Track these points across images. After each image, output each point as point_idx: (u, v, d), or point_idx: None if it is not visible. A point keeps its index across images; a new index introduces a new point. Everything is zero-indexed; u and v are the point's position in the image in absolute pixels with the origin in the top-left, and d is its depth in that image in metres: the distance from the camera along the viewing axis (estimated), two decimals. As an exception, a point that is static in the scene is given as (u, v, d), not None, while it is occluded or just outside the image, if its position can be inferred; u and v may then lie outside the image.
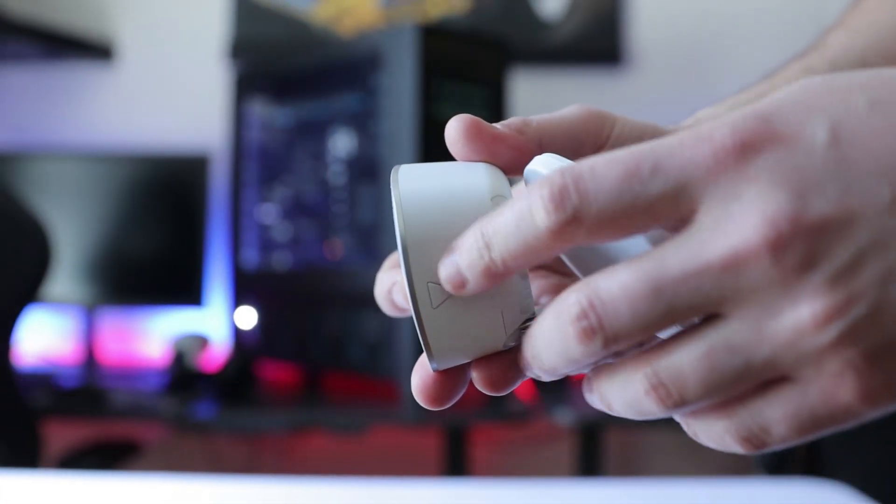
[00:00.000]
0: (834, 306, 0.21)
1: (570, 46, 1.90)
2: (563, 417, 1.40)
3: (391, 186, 0.29)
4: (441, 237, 0.28)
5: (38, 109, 1.95)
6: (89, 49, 1.87)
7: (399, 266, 0.36)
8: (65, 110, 1.95)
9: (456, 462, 1.57)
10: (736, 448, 0.25)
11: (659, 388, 0.24)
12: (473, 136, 0.31)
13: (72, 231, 1.77)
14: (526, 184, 0.31)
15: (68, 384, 1.56)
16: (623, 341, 0.23)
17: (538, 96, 1.86)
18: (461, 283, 0.26)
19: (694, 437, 0.26)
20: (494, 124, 0.32)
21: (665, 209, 0.23)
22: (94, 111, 1.95)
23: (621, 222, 0.23)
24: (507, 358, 0.30)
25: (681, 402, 0.24)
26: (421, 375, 0.31)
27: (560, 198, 0.23)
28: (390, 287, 0.36)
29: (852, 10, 0.47)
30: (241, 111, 1.68)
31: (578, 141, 0.33)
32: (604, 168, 0.23)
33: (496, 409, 1.40)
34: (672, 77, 1.91)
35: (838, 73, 0.24)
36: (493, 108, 1.39)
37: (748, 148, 0.22)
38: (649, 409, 0.24)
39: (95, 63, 1.93)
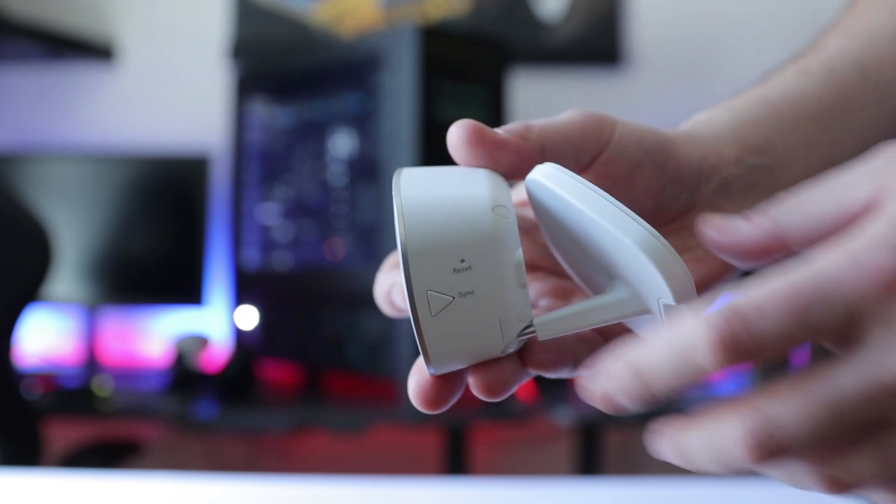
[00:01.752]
0: None
1: (570, 47, 1.90)
2: (563, 417, 1.40)
3: (393, 192, 0.29)
4: (442, 247, 0.28)
5: (39, 110, 1.95)
6: (90, 50, 1.87)
7: (398, 267, 0.36)
8: (65, 111, 1.95)
9: (456, 462, 1.58)
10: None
11: (836, 482, 0.25)
12: (476, 141, 0.31)
13: (73, 231, 1.77)
14: (528, 193, 0.31)
15: (69, 384, 1.57)
16: (794, 457, 0.25)
17: (538, 97, 1.87)
18: (617, 409, 0.27)
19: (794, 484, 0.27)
20: (496, 129, 0.32)
21: (830, 334, 0.24)
22: (94, 112, 1.95)
23: (783, 350, 0.24)
24: (504, 364, 0.30)
25: (856, 488, 0.25)
26: (417, 379, 0.31)
27: (732, 344, 0.23)
28: (389, 288, 0.36)
29: (848, 13, 0.47)
30: (241, 112, 1.68)
31: (580, 146, 0.33)
32: (770, 307, 0.23)
33: (496, 409, 1.41)
34: (671, 78, 1.91)
35: None
36: (493, 108, 1.39)
37: None
38: (823, 492, 0.26)
39: (96, 64, 1.93)
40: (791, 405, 0.24)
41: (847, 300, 0.23)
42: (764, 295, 0.24)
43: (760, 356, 0.24)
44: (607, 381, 0.26)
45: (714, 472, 0.26)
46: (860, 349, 0.23)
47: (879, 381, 0.23)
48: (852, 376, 0.23)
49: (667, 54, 1.92)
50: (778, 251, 0.29)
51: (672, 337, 0.25)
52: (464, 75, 1.37)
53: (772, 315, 0.23)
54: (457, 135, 0.32)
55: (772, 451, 0.24)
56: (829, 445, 0.25)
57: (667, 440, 0.26)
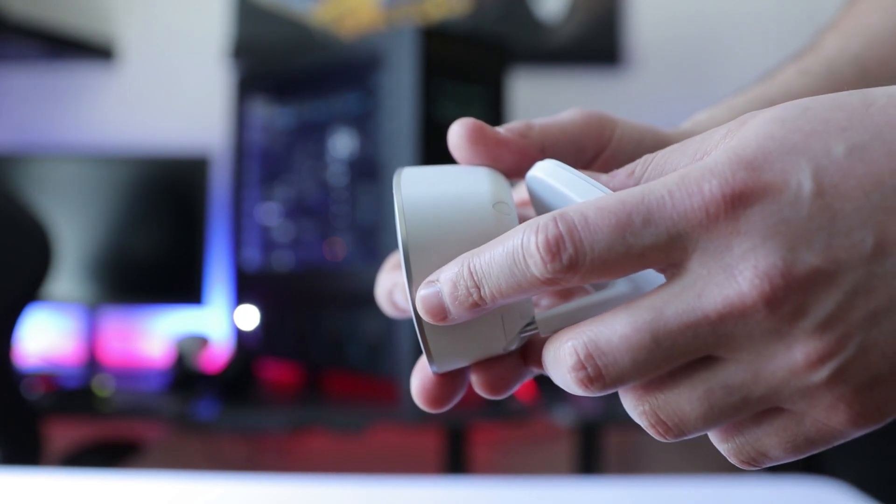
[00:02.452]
0: (825, 349, 0.23)
1: (570, 47, 1.90)
2: (563, 417, 1.40)
3: (394, 191, 0.29)
4: (443, 243, 0.28)
5: (39, 110, 1.96)
6: (90, 50, 1.87)
7: (400, 267, 0.36)
8: (65, 111, 1.95)
9: (455, 461, 1.58)
10: (735, 463, 0.27)
11: (659, 424, 0.26)
12: (476, 140, 0.32)
13: (73, 231, 1.77)
14: (528, 190, 0.31)
15: (70, 383, 1.57)
16: (621, 385, 0.25)
17: (538, 97, 1.87)
18: (443, 315, 0.27)
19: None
20: (497, 128, 0.32)
21: (656, 257, 0.24)
22: (95, 112, 1.95)
23: (613, 269, 0.24)
24: (507, 361, 0.30)
25: (680, 434, 0.26)
26: (420, 378, 0.31)
27: (556, 248, 0.24)
28: (391, 288, 0.36)
29: (846, 13, 0.48)
30: (242, 112, 1.68)
31: (580, 145, 0.33)
32: (596, 218, 0.24)
33: (496, 409, 1.41)
34: (671, 78, 1.92)
35: (819, 103, 0.24)
36: (493, 108, 1.39)
37: (738, 201, 0.23)
38: (653, 435, 0.26)
39: (96, 64, 1.93)
40: (614, 328, 0.24)
41: (671, 223, 0.23)
42: (591, 206, 0.24)
43: (585, 267, 0.24)
44: (443, 280, 0.27)
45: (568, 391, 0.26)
46: (684, 277, 0.24)
47: (700, 311, 0.23)
48: (675, 305, 0.24)
49: (667, 54, 1.92)
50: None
51: (507, 244, 0.25)
52: (464, 75, 1.37)
53: (595, 226, 0.24)
54: (458, 133, 0.32)
55: (591, 376, 0.24)
56: (654, 379, 0.25)
57: (544, 351, 0.27)
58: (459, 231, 0.28)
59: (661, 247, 0.23)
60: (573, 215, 0.24)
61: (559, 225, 0.24)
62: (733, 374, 0.24)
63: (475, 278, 0.26)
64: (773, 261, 0.22)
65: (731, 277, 0.23)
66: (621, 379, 0.24)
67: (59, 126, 1.95)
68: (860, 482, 0.85)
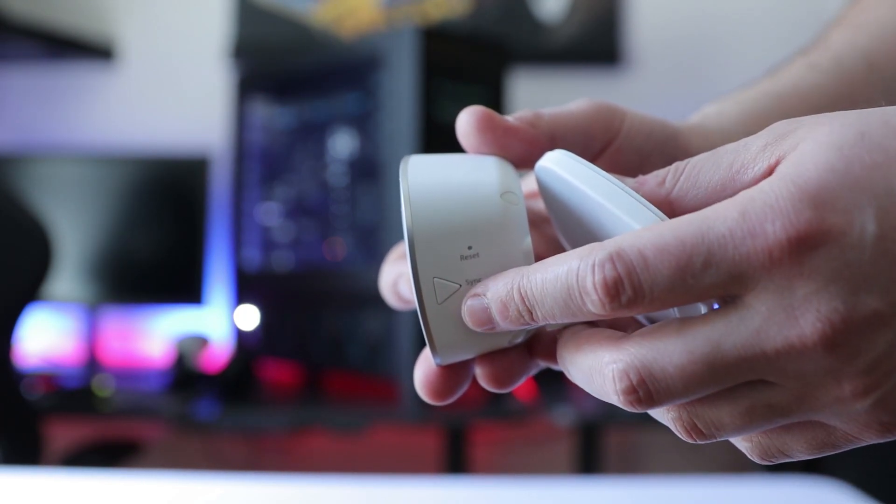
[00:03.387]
0: (871, 384, 0.23)
1: (570, 47, 1.90)
2: (563, 417, 1.40)
3: (400, 178, 0.29)
4: (449, 233, 0.27)
5: (39, 110, 1.96)
6: (90, 50, 1.87)
7: (405, 257, 0.36)
8: (66, 111, 1.95)
9: (455, 461, 1.58)
10: (751, 457, 0.27)
11: (694, 430, 0.26)
12: (485, 128, 0.31)
13: (74, 231, 1.77)
14: (537, 180, 0.31)
15: (70, 383, 1.57)
16: (669, 404, 0.25)
17: (538, 97, 1.87)
18: (491, 327, 0.27)
19: None
20: (506, 117, 0.32)
21: (714, 294, 0.24)
22: (95, 112, 1.95)
23: (669, 305, 0.24)
24: (512, 354, 0.30)
25: (711, 439, 0.26)
26: (424, 370, 0.31)
27: (615, 290, 0.24)
28: (395, 279, 0.35)
29: (853, 7, 0.47)
30: (242, 112, 1.68)
31: (589, 135, 0.33)
32: (656, 261, 0.23)
33: (496, 409, 1.41)
34: (671, 78, 1.92)
35: (873, 128, 0.24)
36: (493, 108, 1.39)
37: (803, 245, 0.22)
38: (679, 435, 0.27)
39: (96, 64, 1.93)
40: (670, 358, 0.24)
41: (732, 265, 0.23)
42: (650, 245, 0.24)
43: (642, 307, 0.24)
44: (493, 298, 0.27)
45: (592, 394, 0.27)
46: (741, 310, 0.24)
47: (759, 348, 0.23)
48: (732, 339, 0.24)
49: (667, 54, 1.92)
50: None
51: (560, 272, 0.25)
52: (464, 75, 1.37)
53: (655, 268, 0.23)
54: (466, 121, 0.32)
55: (641, 398, 0.24)
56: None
57: (564, 350, 0.27)
58: (466, 220, 0.27)
59: (721, 285, 0.23)
60: (631, 255, 0.24)
61: (617, 266, 0.24)
62: (779, 396, 0.24)
63: (527, 303, 0.26)
64: (836, 305, 0.22)
65: (792, 318, 0.23)
66: (671, 401, 0.25)
67: (59, 126, 1.95)
68: (860, 482, 0.85)
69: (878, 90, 0.42)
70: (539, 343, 0.31)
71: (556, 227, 0.34)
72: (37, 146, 1.92)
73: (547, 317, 0.26)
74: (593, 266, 0.24)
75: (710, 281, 0.23)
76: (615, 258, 0.24)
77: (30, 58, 1.90)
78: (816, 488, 0.71)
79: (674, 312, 0.26)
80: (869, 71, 0.42)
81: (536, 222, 0.35)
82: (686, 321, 0.25)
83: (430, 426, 1.63)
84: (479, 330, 0.27)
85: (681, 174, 0.27)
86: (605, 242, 0.24)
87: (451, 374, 0.31)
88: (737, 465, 1.76)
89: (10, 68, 1.95)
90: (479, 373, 0.30)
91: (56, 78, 1.95)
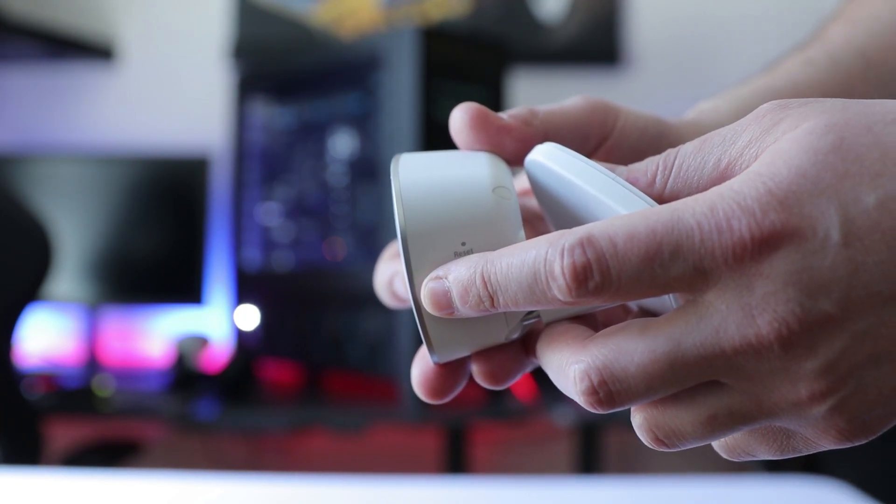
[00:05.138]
0: (827, 388, 0.24)
1: (570, 47, 1.90)
2: (563, 417, 1.40)
3: (391, 177, 0.29)
4: (442, 230, 0.27)
5: (40, 110, 1.96)
6: (90, 50, 1.87)
7: (399, 256, 0.36)
8: (66, 111, 1.95)
9: (455, 461, 1.58)
10: (721, 454, 0.28)
11: (656, 440, 0.26)
12: (479, 125, 0.31)
13: (74, 231, 1.77)
14: (528, 174, 0.31)
15: (70, 383, 1.57)
16: (630, 406, 0.25)
17: (538, 97, 1.87)
18: (450, 311, 0.27)
19: None
20: (500, 114, 0.32)
21: (678, 287, 0.24)
22: (94, 112, 1.95)
23: (634, 295, 0.24)
24: (508, 351, 0.30)
25: (675, 447, 0.26)
26: (421, 368, 0.31)
27: (583, 276, 0.24)
28: (391, 277, 0.35)
29: (850, 2, 0.47)
30: (242, 112, 1.68)
31: (584, 133, 0.33)
32: (626, 248, 0.23)
33: (496, 409, 1.41)
34: (671, 78, 1.92)
35: (854, 134, 0.24)
36: (493, 108, 1.39)
37: (765, 245, 0.23)
38: (648, 445, 0.27)
39: (97, 64, 1.93)
40: (631, 357, 0.24)
41: (698, 258, 0.23)
42: (621, 233, 0.24)
43: (609, 295, 0.24)
44: (454, 281, 0.27)
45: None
46: (705, 311, 0.24)
47: (718, 346, 0.23)
48: (692, 337, 0.24)
49: (667, 54, 1.92)
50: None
51: (527, 257, 0.25)
52: (464, 75, 1.37)
53: (624, 255, 0.23)
54: (460, 118, 0.32)
55: (601, 399, 0.25)
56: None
57: (539, 346, 0.27)
58: (459, 216, 0.27)
59: (685, 279, 0.24)
60: (602, 242, 0.24)
61: (587, 252, 0.24)
62: (738, 401, 0.25)
63: (489, 288, 0.26)
64: (792, 307, 0.23)
65: (749, 317, 0.23)
66: (632, 402, 0.25)
67: (59, 126, 1.95)
68: (860, 482, 0.85)
69: (873, 87, 0.42)
70: (534, 340, 0.31)
71: (548, 222, 0.34)
72: (37, 146, 1.92)
73: (509, 302, 0.26)
74: (563, 250, 0.24)
75: (676, 272, 0.23)
76: (585, 243, 0.24)
77: (30, 58, 1.90)
78: (816, 488, 0.71)
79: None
80: (865, 67, 0.42)
81: (530, 219, 0.35)
82: (648, 321, 0.25)
83: (430, 426, 1.63)
84: (439, 315, 0.27)
85: (670, 172, 0.27)
86: (575, 229, 0.24)
87: (448, 372, 0.31)
88: (737, 465, 1.76)
89: (10, 68, 1.95)
90: (475, 370, 0.30)
91: (56, 78, 1.95)
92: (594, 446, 1.58)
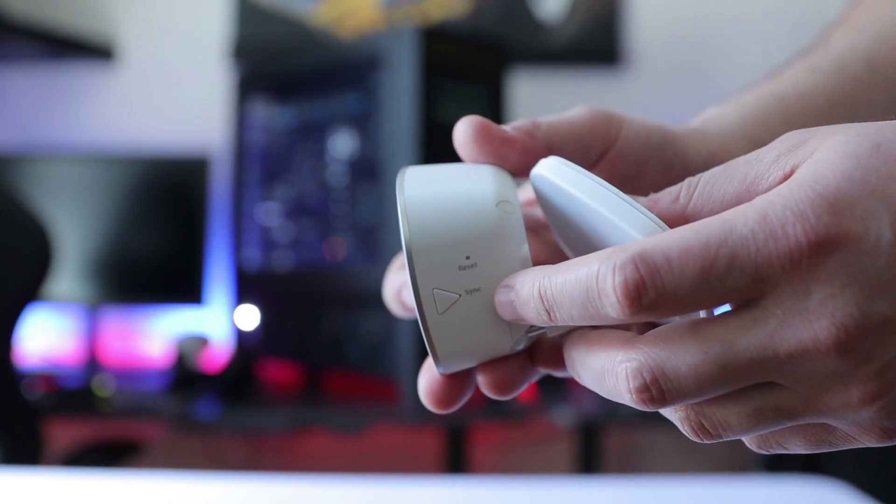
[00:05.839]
0: (879, 391, 0.24)
1: (570, 47, 1.90)
2: (563, 417, 1.40)
3: (396, 191, 0.29)
4: (446, 244, 0.28)
5: (39, 110, 1.96)
6: (90, 50, 1.87)
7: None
8: (66, 111, 1.95)
9: (456, 461, 1.58)
10: (750, 446, 0.28)
11: (701, 430, 0.26)
12: (482, 138, 0.31)
13: (74, 231, 1.77)
14: (533, 188, 0.31)
15: (70, 383, 1.57)
16: (681, 403, 0.25)
17: (538, 97, 1.87)
18: (519, 319, 0.27)
19: None
20: (504, 126, 0.32)
21: (736, 297, 0.24)
22: (94, 112, 1.95)
23: (691, 308, 0.24)
24: (514, 361, 0.30)
25: (719, 439, 0.26)
26: (427, 378, 0.31)
27: (636, 293, 0.23)
28: (399, 288, 0.36)
29: (854, 8, 0.47)
30: (242, 112, 1.68)
31: (587, 143, 0.33)
32: (681, 262, 0.23)
33: (496, 409, 1.41)
34: (671, 78, 1.92)
35: (889, 139, 0.24)
36: (493, 108, 1.39)
37: (821, 248, 0.23)
38: (687, 435, 0.27)
39: (97, 64, 1.93)
40: (684, 358, 0.24)
41: (754, 267, 0.23)
42: (675, 247, 0.24)
43: (664, 310, 0.24)
44: (518, 293, 0.27)
45: (601, 394, 0.27)
46: (760, 315, 0.24)
47: (773, 351, 0.23)
48: (746, 340, 0.24)
49: (667, 54, 1.92)
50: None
51: (580, 274, 0.25)
52: (464, 75, 1.37)
53: (679, 270, 0.23)
54: (463, 131, 0.32)
55: (653, 397, 0.24)
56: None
57: (574, 351, 0.27)
58: (463, 231, 0.28)
59: (743, 288, 0.23)
60: (655, 257, 0.23)
61: (640, 268, 0.23)
62: (787, 399, 0.24)
63: (545, 304, 0.26)
64: (850, 311, 0.23)
65: (807, 322, 0.23)
66: (683, 400, 0.25)
67: (59, 126, 1.95)
68: (860, 482, 0.85)
69: (879, 93, 0.42)
70: (540, 350, 0.31)
71: (555, 234, 0.34)
72: (37, 146, 1.92)
73: (565, 319, 0.26)
74: (614, 268, 0.24)
75: (733, 283, 0.23)
76: (637, 260, 0.23)
77: (30, 58, 1.90)
78: (816, 488, 0.71)
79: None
80: (871, 73, 0.42)
81: (536, 229, 0.36)
82: (700, 321, 0.25)
83: (430, 426, 1.63)
84: (509, 320, 0.28)
85: (694, 189, 0.28)
86: (627, 245, 0.24)
87: (454, 382, 0.31)
88: (737, 465, 1.76)
89: (10, 68, 1.95)
90: (482, 380, 0.30)
91: (56, 78, 1.95)
92: (594, 446, 1.58)
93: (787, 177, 0.25)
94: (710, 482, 0.75)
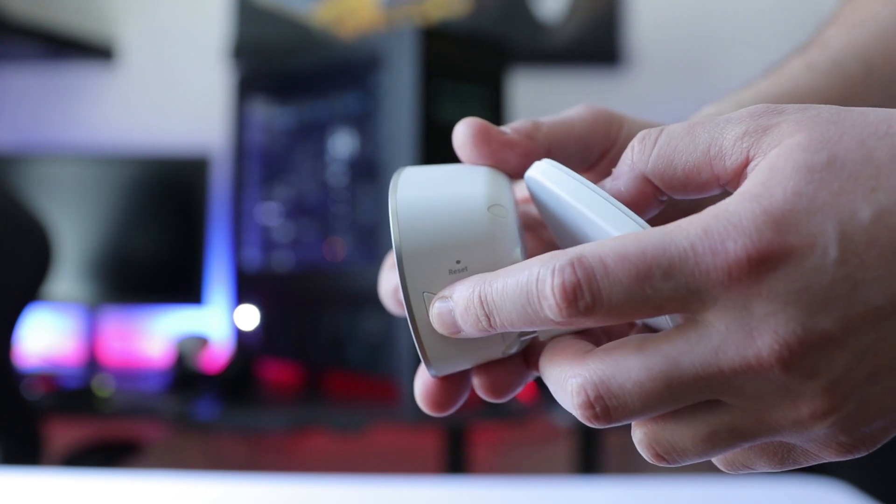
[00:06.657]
0: (829, 407, 0.24)
1: (570, 47, 1.90)
2: (563, 417, 1.40)
3: (389, 193, 0.29)
4: (436, 248, 0.28)
5: (40, 110, 1.96)
6: (90, 50, 1.87)
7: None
8: (66, 111, 1.95)
9: (455, 461, 1.58)
10: (718, 466, 0.28)
11: (658, 456, 0.26)
12: (482, 141, 0.31)
13: (73, 231, 1.77)
14: (528, 190, 0.31)
15: (70, 383, 1.57)
16: (626, 422, 0.25)
17: (538, 97, 1.87)
18: (456, 331, 0.27)
19: None
20: (503, 128, 0.32)
21: (673, 307, 0.24)
22: (94, 112, 1.95)
23: (628, 316, 0.24)
24: (508, 364, 0.30)
25: (675, 463, 0.26)
26: (423, 381, 0.31)
27: (573, 295, 0.24)
28: (395, 287, 0.36)
29: (850, 4, 0.47)
30: (242, 112, 1.68)
31: (588, 144, 0.33)
32: (616, 268, 0.23)
33: (496, 409, 1.41)
34: (671, 78, 1.92)
35: (847, 150, 0.23)
36: (493, 108, 1.39)
37: (762, 264, 0.23)
38: (648, 460, 0.27)
39: (97, 64, 1.93)
40: (629, 374, 0.24)
41: (691, 279, 0.23)
42: (612, 254, 0.24)
43: (600, 315, 0.24)
44: (456, 301, 0.27)
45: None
46: (704, 331, 0.24)
47: (717, 367, 0.23)
48: (690, 356, 0.24)
49: (667, 54, 1.92)
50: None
51: (521, 278, 0.25)
52: (464, 75, 1.37)
53: (614, 275, 0.23)
54: (463, 133, 0.32)
55: (597, 415, 0.25)
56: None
57: (541, 362, 0.28)
58: (453, 235, 0.28)
59: (679, 299, 0.23)
60: (592, 262, 0.24)
61: (577, 271, 0.24)
62: (738, 419, 0.24)
63: (486, 308, 0.26)
64: (793, 327, 0.22)
65: (749, 338, 0.23)
66: (629, 418, 0.25)
67: (59, 126, 1.95)
68: (860, 482, 0.85)
69: (875, 93, 0.42)
70: (534, 353, 0.31)
71: (552, 234, 0.34)
72: (37, 146, 1.92)
73: (505, 323, 0.26)
74: (553, 270, 0.24)
75: (668, 293, 0.23)
76: (575, 263, 0.24)
77: (30, 58, 1.90)
78: (817, 488, 0.71)
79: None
80: (867, 73, 0.42)
81: (534, 226, 0.35)
82: (647, 338, 0.25)
83: (430, 426, 1.63)
84: (445, 334, 0.27)
85: (651, 150, 0.27)
86: (568, 250, 0.24)
87: (450, 385, 0.31)
88: (737, 465, 1.76)
89: (10, 68, 1.95)
90: (477, 383, 0.30)
91: (56, 78, 1.95)
92: (594, 446, 1.58)
93: (745, 164, 0.25)
94: (710, 482, 0.75)
